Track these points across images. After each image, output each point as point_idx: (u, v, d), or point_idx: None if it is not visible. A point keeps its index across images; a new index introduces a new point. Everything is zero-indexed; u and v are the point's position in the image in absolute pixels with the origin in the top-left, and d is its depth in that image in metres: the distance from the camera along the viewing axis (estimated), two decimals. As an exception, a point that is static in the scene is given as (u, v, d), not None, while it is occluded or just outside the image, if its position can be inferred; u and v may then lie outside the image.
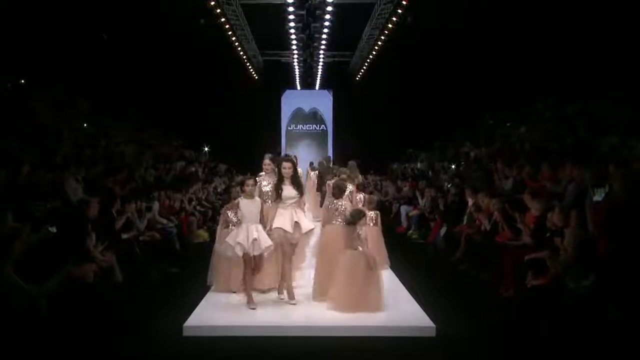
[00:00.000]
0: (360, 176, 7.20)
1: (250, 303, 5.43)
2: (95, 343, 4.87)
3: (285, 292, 5.68)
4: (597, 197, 5.48)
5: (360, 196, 7.20)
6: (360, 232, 5.50)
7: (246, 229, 5.31)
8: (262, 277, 5.79)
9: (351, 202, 6.53)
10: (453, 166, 12.92)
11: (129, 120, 14.41)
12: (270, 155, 6.47)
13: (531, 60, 12.91)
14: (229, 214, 6.08)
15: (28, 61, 10.86)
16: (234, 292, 5.87)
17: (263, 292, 5.88)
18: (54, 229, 5.86)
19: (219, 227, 6.31)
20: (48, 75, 11.65)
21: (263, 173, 6.58)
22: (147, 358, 4.60)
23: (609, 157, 7.06)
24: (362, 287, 5.24)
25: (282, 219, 5.47)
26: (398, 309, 5.49)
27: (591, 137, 8.31)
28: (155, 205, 8.82)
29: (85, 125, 11.90)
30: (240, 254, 5.28)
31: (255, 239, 5.23)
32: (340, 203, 5.96)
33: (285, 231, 5.45)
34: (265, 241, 5.31)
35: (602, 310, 4.58)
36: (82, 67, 12.62)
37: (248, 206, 5.42)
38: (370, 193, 8.39)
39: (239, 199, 5.57)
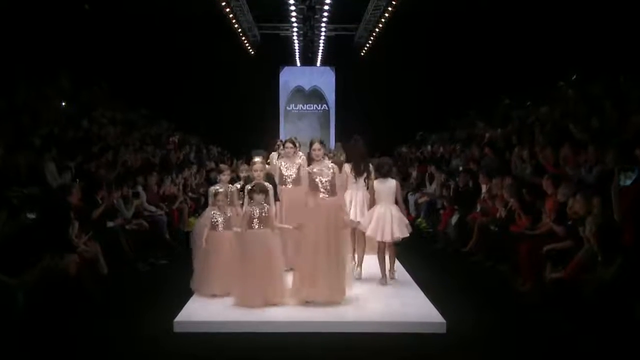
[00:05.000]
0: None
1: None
2: (77, 340, 4.87)
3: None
4: (624, 182, 5.41)
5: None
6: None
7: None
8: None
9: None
10: (460, 148, 12.80)
11: (114, 99, 14.32)
12: (292, 138, 6.99)
13: (554, 34, 12.71)
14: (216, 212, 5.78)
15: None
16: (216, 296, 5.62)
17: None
18: (32, 216, 5.84)
19: (202, 225, 5.90)
20: (24, 49, 11.53)
21: (283, 155, 6.66)
22: (136, 356, 4.61)
23: (636, 138, 6.98)
24: None
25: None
26: (406, 303, 5.51)
27: (619, 117, 8.22)
28: (143, 192, 8.80)
29: (64, 104, 11.81)
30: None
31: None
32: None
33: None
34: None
35: (628, 306, 4.55)
36: (62, 40, 12.48)
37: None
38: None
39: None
